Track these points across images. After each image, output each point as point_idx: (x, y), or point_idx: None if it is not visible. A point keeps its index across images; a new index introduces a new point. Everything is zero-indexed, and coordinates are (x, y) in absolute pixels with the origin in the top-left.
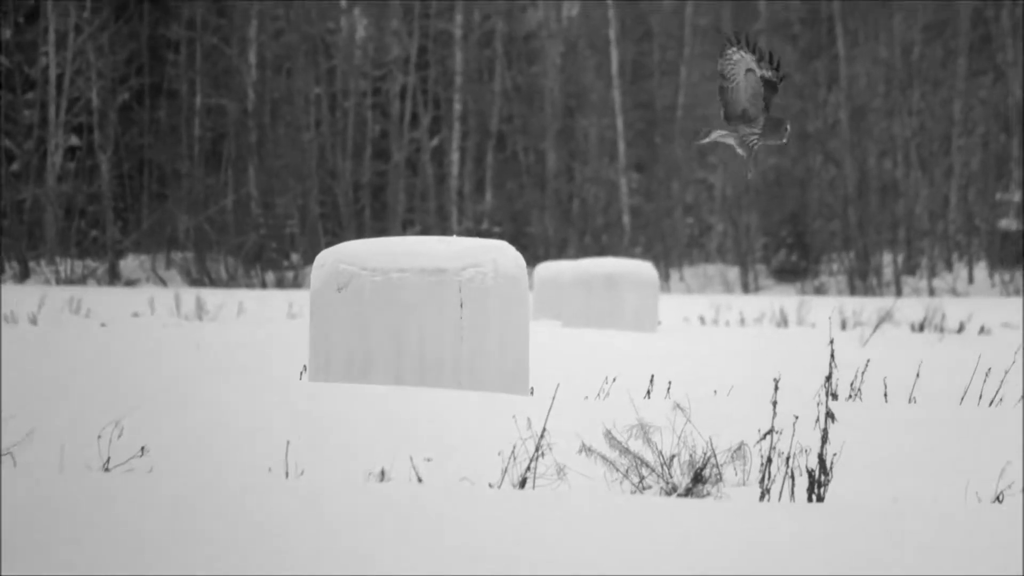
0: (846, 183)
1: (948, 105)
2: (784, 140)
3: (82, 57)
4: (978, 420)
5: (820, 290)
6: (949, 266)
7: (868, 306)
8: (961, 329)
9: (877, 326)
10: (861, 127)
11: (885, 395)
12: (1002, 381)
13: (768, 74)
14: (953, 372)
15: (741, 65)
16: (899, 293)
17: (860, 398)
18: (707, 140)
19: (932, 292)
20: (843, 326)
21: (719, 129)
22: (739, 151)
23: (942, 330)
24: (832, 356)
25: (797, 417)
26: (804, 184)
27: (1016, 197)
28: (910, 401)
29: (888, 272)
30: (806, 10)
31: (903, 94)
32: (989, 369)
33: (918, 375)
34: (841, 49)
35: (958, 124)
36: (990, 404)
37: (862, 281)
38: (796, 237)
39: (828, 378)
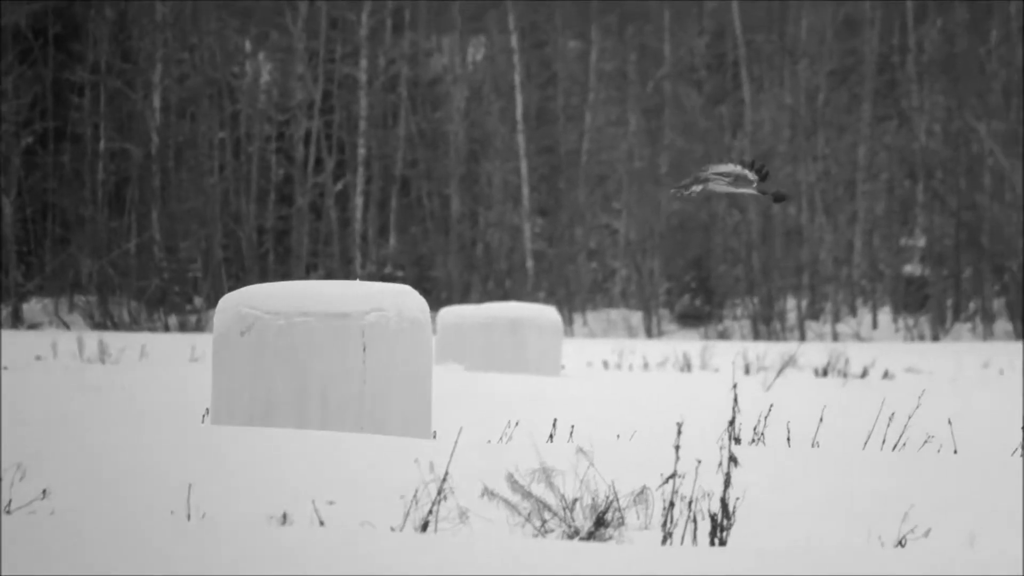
0: (750, 228)
1: (853, 150)
2: (751, 191)
3: None
4: (882, 464)
5: (724, 335)
6: (853, 311)
7: (772, 351)
8: (865, 374)
9: (780, 371)
10: (764, 172)
11: (788, 439)
12: (905, 426)
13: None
14: (856, 417)
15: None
16: (803, 338)
17: (763, 442)
18: (677, 188)
19: (836, 337)
20: (747, 371)
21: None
22: (697, 190)
23: (846, 375)
24: (735, 400)
25: (700, 461)
26: (708, 229)
27: (920, 243)
28: (813, 446)
29: (792, 317)
30: (711, 56)
31: (808, 139)
32: (893, 414)
33: (821, 420)
34: (746, 94)
35: (863, 170)
36: (893, 448)
37: (766, 326)
38: (700, 282)
39: (731, 422)
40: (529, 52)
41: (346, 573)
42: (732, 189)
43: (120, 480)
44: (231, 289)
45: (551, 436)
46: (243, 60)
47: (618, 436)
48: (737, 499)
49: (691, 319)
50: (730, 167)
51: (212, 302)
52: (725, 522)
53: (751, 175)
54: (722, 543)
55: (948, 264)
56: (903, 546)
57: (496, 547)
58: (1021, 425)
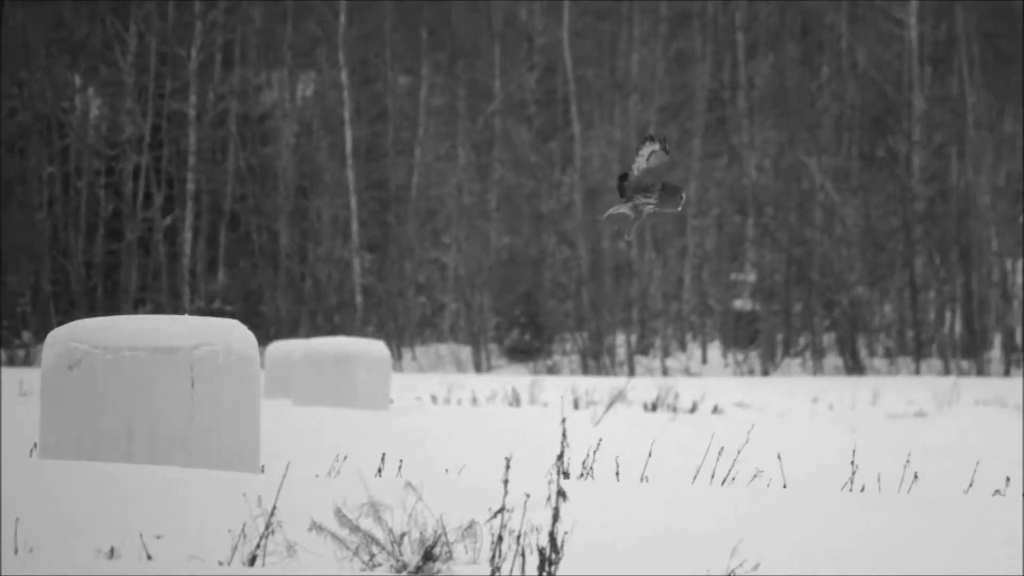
0: (580, 263)
1: (683, 186)
2: (679, 208)
3: None
4: (711, 499)
5: (553, 369)
6: (683, 346)
7: (601, 385)
8: (694, 409)
9: (610, 405)
10: (595, 207)
11: (617, 474)
12: (735, 460)
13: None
14: (686, 451)
15: (646, 151)
16: (632, 373)
17: (592, 476)
18: (608, 215)
19: (665, 372)
20: (576, 405)
21: (617, 205)
22: (629, 214)
23: (675, 410)
24: (564, 435)
25: (528, 495)
26: (538, 264)
27: (750, 278)
28: (642, 480)
29: (621, 352)
30: (541, 91)
31: None
32: (722, 448)
33: (650, 454)
34: (576, 130)
35: (693, 205)
36: (723, 483)
37: (595, 361)
38: (529, 317)
39: (560, 456)
40: (359, 87)
41: None
42: (660, 209)
43: None
44: (60, 324)
45: (379, 470)
46: (72, 95)
47: (447, 470)
48: (566, 533)
49: (520, 354)
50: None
51: (40, 336)
52: (553, 556)
53: (670, 189)
54: None
55: (778, 299)
56: None
57: None
58: (851, 460)
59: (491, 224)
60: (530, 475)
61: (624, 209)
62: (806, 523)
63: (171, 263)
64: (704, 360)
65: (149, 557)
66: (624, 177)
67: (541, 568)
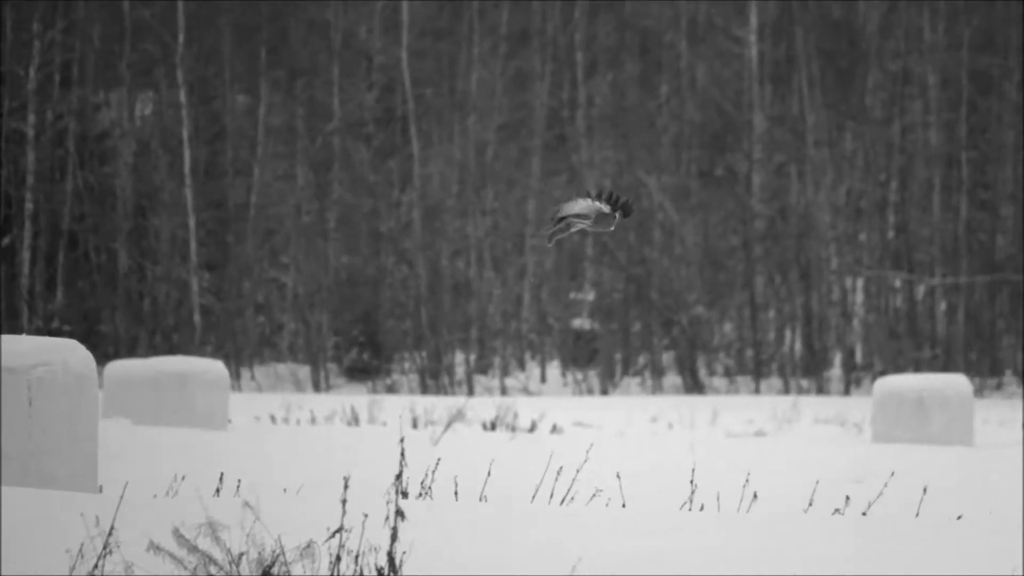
0: (418, 282)
1: (522, 205)
2: (611, 228)
3: None
4: (550, 518)
5: (392, 389)
6: (522, 365)
7: (440, 405)
8: (533, 428)
9: (448, 425)
10: (434, 227)
11: (456, 493)
12: (573, 479)
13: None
14: (525, 471)
15: (581, 203)
16: (471, 392)
17: (431, 496)
18: (537, 234)
19: (504, 391)
20: (414, 425)
21: (550, 227)
22: (560, 228)
23: (514, 429)
24: (402, 454)
25: (367, 515)
26: (376, 283)
27: (590, 297)
28: (481, 499)
29: (460, 371)
30: (380, 110)
31: (477, 194)
32: (561, 467)
33: (489, 474)
34: (415, 149)
35: (532, 224)
36: (561, 502)
37: (434, 380)
38: (368, 336)
39: (398, 476)
40: (198, 107)
41: None
42: (593, 229)
43: None
44: None
45: (218, 490)
46: None
47: (285, 490)
48: (404, 553)
49: (359, 373)
50: (586, 203)
51: None
52: (392, 575)
53: (606, 208)
54: None
55: (617, 318)
56: None
57: None
58: (690, 479)
59: (330, 243)
60: (369, 495)
61: (557, 227)
62: (645, 542)
63: (9, 283)
64: (543, 379)
65: None
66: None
67: None
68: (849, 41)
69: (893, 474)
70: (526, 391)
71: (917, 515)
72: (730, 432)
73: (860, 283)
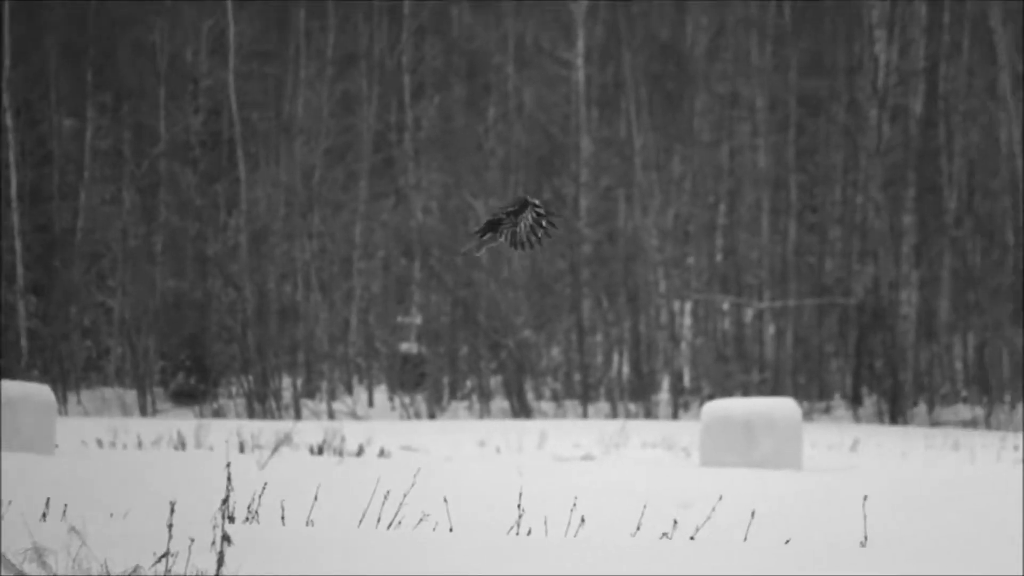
0: (246, 306)
1: (349, 228)
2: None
3: None
4: (377, 541)
5: (219, 413)
6: (349, 389)
7: (267, 429)
8: (361, 452)
9: (275, 449)
10: (261, 250)
11: (283, 518)
12: (401, 504)
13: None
14: (352, 495)
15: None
16: (298, 416)
17: (257, 521)
18: (467, 248)
19: (332, 415)
20: (241, 449)
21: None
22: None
23: (341, 453)
24: (229, 479)
25: (193, 539)
26: (203, 307)
27: (417, 320)
28: (308, 524)
29: (287, 395)
30: (207, 133)
31: (303, 217)
32: (388, 492)
33: (316, 498)
34: (242, 172)
35: (359, 247)
36: (388, 527)
37: (261, 404)
38: (195, 360)
39: (225, 501)
40: (24, 130)
41: None
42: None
43: None
44: None
45: (44, 515)
46: None
47: (112, 515)
48: None
49: (186, 397)
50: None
51: None
52: None
53: (532, 218)
54: None
55: (444, 342)
56: None
57: None
58: (517, 503)
59: (156, 267)
60: (195, 519)
61: (485, 238)
62: (472, 566)
63: None
64: (371, 403)
65: None
66: (488, 226)
67: None
68: (677, 64)
69: (721, 498)
70: (353, 415)
71: (745, 539)
72: (558, 456)
73: (688, 306)
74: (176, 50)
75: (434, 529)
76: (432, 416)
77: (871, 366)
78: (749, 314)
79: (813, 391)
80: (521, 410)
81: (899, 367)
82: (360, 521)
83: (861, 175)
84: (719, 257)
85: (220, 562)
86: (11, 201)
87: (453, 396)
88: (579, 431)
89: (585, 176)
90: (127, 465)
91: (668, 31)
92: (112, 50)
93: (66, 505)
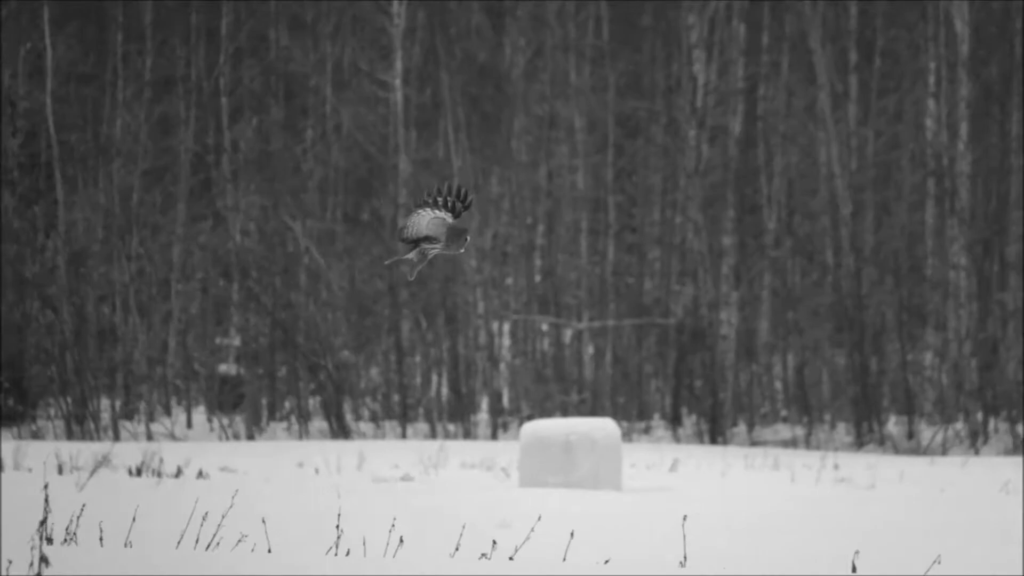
0: (64, 328)
1: (168, 250)
2: (462, 250)
3: None
4: (195, 563)
5: (37, 435)
6: (168, 410)
7: (86, 451)
8: (179, 473)
9: (94, 471)
10: (79, 272)
11: (101, 539)
12: (219, 525)
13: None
14: (170, 516)
15: (425, 217)
16: (117, 438)
17: (76, 542)
18: (391, 261)
19: (151, 436)
20: (60, 470)
21: (402, 251)
22: (412, 259)
23: (160, 474)
24: (47, 500)
25: (11, 561)
26: (22, 329)
27: (236, 341)
28: (127, 545)
29: (106, 417)
30: (24, 155)
31: (122, 239)
32: (206, 513)
33: (134, 519)
34: (60, 194)
35: (177, 269)
36: (207, 548)
37: (79, 426)
38: (13, 382)
39: (43, 522)
40: None
41: None
42: (446, 251)
43: None
44: None
45: None
46: None
47: None
48: None
49: (4, 419)
50: (430, 219)
51: None
52: None
53: (449, 217)
54: None
55: (263, 363)
56: None
57: None
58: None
59: None
60: (13, 541)
61: (410, 255)
62: None
63: None
64: (189, 424)
65: None
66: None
67: None
68: (495, 85)
69: (540, 518)
70: (172, 436)
71: (564, 559)
72: (376, 476)
73: (507, 327)
74: None
75: (252, 550)
76: (251, 437)
77: (691, 386)
78: (568, 335)
79: (633, 411)
80: (340, 431)
81: (719, 387)
82: (178, 542)
83: (680, 195)
84: (538, 278)
85: None
86: None
87: (272, 417)
88: (398, 452)
89: (403, 197)
90: None
91: (486, 53)
92: None
93: None
